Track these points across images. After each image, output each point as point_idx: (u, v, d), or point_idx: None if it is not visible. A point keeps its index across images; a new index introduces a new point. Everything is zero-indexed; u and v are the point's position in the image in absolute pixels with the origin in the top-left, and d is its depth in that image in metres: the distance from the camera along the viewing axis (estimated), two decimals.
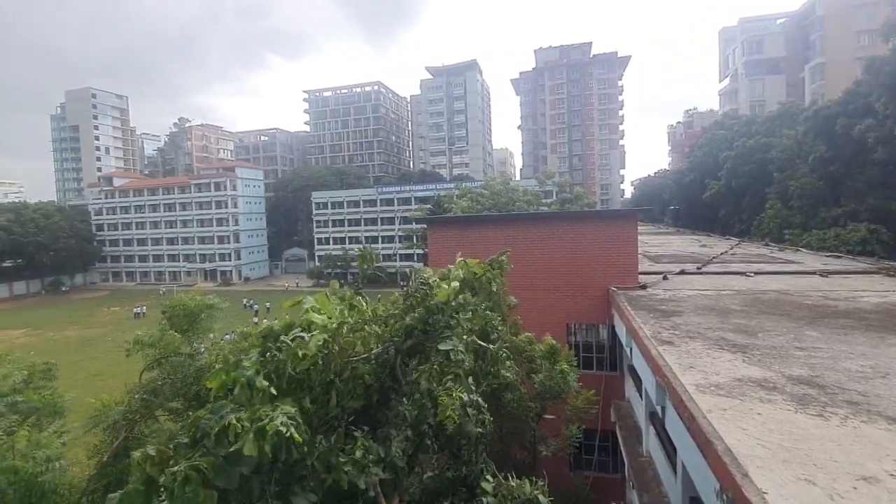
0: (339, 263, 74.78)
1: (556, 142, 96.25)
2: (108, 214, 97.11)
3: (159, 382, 8.01)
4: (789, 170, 26.29)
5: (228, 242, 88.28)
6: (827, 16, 58.72)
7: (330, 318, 3.72)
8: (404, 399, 4.25)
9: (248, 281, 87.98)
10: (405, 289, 4.86)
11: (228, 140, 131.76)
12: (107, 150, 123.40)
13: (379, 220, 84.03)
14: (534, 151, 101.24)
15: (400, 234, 76.60)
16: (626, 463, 10.71)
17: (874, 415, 5.11)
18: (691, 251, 21.43)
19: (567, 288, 13.88)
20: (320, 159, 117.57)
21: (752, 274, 14.21)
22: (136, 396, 7.92)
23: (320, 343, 3.46)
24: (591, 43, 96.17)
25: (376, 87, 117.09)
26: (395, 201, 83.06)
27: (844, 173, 22.26)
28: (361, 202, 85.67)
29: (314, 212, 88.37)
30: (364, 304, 4.47)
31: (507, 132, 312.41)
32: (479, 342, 4.89)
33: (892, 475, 4.00)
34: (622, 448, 11.22)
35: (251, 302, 58.63)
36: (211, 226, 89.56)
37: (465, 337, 4.45)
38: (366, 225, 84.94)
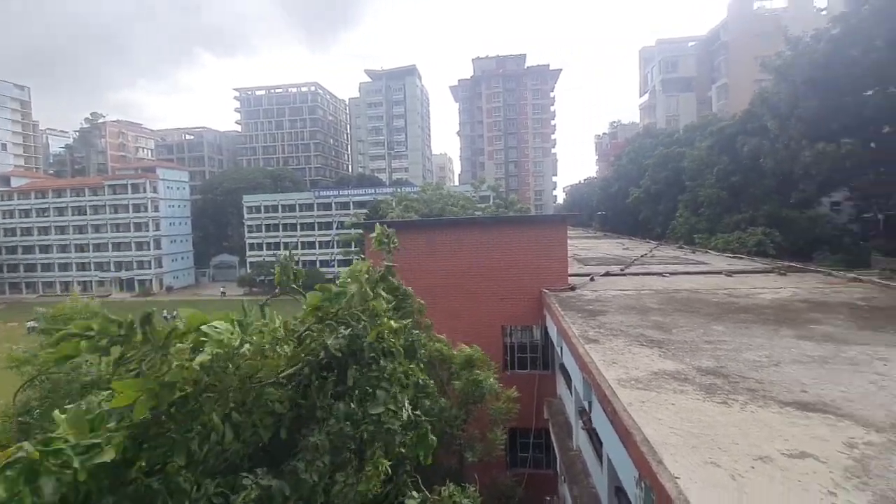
0: (272, 270, 71.43)
1: (493, 148, 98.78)
2: (4, 218, 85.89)
3: (34, 403, 7.13)
4: (699, 179, 29.03)
5: (148, 249, 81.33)
6: (730, 42, 65.43)
7: (231, 335, 3.26)
8: (320, 425, 3.82)
9: (170, 290, 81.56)
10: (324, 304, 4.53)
11: (149, 138, 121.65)
12: (3, 146, 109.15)
13: (316, 224, 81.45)
14: (472, 157, 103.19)
15: (338, 239, 74.83)
16: (557, 458, 11.10)
17: (768, 400, 5.66)
18: (616, 254, 22.81)
19: (503, 291, 14.20)
20: (252, 161, 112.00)
21: (668, 274, 15.37)
22: (9, 421, 6.99)
23: (208, 359, 2.94)
24: (525, 55, 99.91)
25: (313, 88, 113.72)
26: (334, 205, 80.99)
27: (744, 183, 24.93)
28: (298, 206, 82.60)
29: (246, 216, 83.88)
30: (276, 320, 4.04)
31: (446, 138, 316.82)
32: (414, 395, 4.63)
33: (783, 454, 4.44)
34: (554, 444, 11.63)
35: (173, 313, 54.36)
36: (128, 231, 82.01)
37: (397, 392, 4.03)
38: (302, 230, 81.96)
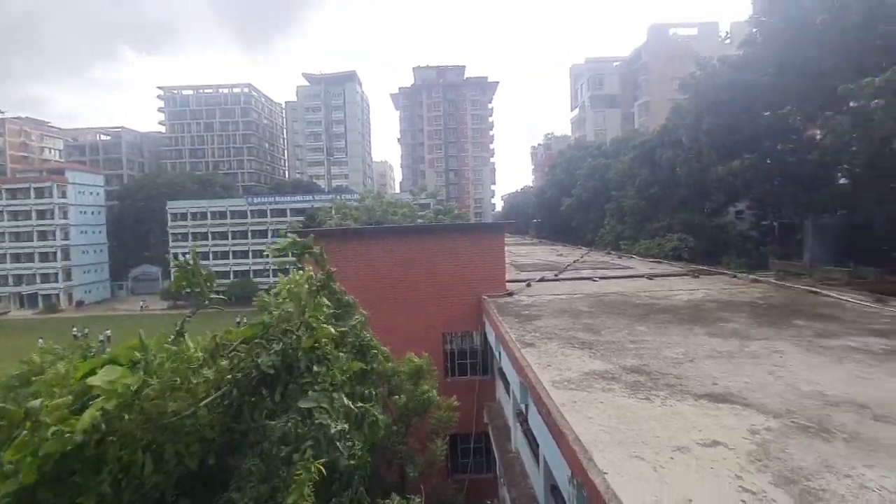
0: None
1: (433, 157, 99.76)
2: None
3: None
4: (623, 189, 31.21)
5: (54, 260, 73.15)
6: (649, 63, 71.00)
7: (127, 380, 2.92)
8: (252, 449, 3.56)
9: (81, 305, 73.83)
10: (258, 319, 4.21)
11: (57, 138, 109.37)
12: None
13: (250, 232, 77.48)
14: (413, 165, 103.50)
15: (274, 248, 71.59)
16: (497, 461, 11.29)
17: (685, 394, 6.13)
18: (550, 260, 23.81)
19: (443, 298, 14.30)
20: (178, 164, 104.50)
21: (597, 279, 16.27)
22: None
23: (97, 416, 2.63)
24: (464, 66, 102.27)
25: (246, 90, 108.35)
26: (269, 213, 77.55)
27: (661, 194, 27.11)
28: (229, 213, 78.16)
29: (170, 223, 77.96)
30: (190, 346, 3.73)
31: (387, 145, 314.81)
32: (351, 400, 4.27)
33: (697, 444, 4.82)
34: (494, 447, 11.82)
35: (84, 330, 49.16)
36: (30, 240, 73.33)
37: (332, 393, 3.85)
38: (234, 238, 77.57)
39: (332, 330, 4.16)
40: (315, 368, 3.83)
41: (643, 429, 5.19)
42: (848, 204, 18.12)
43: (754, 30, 19.95)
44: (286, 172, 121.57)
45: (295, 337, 3.87)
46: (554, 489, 7.26)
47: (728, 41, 23.86)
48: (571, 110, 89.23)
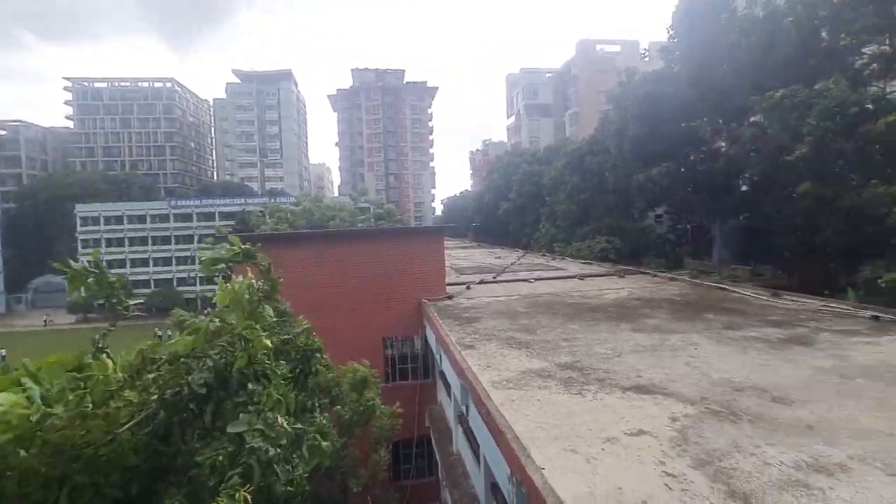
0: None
1: (373, 160, 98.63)
2: None
3: None
4: (555, 195, 32.83)
5: None
6: (579, 75, 75.07)
7: (24, 410, 2.57)
8: (179, 476, 3.24)
9: None
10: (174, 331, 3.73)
11: None
12: None
13: (173, 238, 71.93)
14: (351, 168, 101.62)
15: (201, 256, 66.86)
16: (439, 464, 11.31)
17: (613, 387, 6.50)
18: (489, 262, 24.36)
19: (383, 303, 14.13)
20: (89, 163, 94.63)
21: (533, 280, 16.87)
22: None
23: None
24: (404, 70, 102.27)
25: (169, 84, 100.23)
26: (195, 217, 72.45)
27: (591, 199, 28.86)
28: (149, 217, 72.07)
29: (80, 228, 70.39)
30: (111, 364, 3.30)
31: (324, 147, 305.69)
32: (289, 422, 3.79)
33: (625, 434, 5.12)
34: (436, 450, 11.84)
35: None
36: None
37: (269, 413, 3.48)
38: (155, 244, 71.59)
39: (269, 343, 3.86)
40: (250, 386, 3.53)
41: (577, 423, 5.43)
42: (749, 209, 20.24)
43: (673, 49, 21.78)
44: (214, 174, 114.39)
45: (230, 352, 3.56)
46: (494, 487, 7.40)
47: (647, 59, 25.84)
48: (508, 118, 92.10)
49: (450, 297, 14.07)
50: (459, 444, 10.41)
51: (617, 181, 24.16)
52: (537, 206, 36.30)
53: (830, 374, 6.69)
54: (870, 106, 15.29)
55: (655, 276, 17.95)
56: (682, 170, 21.47)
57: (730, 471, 4.31)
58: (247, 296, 3.86)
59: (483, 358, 8.02)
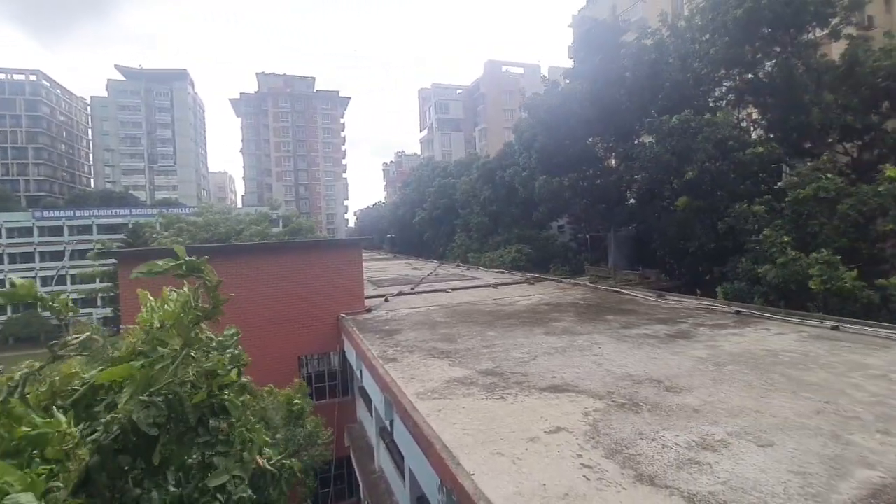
0: None
1: (281, 169, 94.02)
2: None
3: None
4: (468, 207, 34.06)
5: None
6: (487, 93, 78.95)
7: None
8: None
9: None
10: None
11: None
12: None
13: (37, 254, 61.84)
14: (257, 178, 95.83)
15: (74, 272, 58.23)
16: (360, 484, 10.99)
17: (531, 389, 6.87)
18: (406, 274, 24.41)
19: (298, 320, 13.47)
20: None
21: (450, 290, 17.24)
22: None
23: None
24: (314, 78, 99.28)
25: (34, 77, 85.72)
26: (66, 230, 63.05)
27: (501, 211, 30.42)
28: (4, 231, 61.27)
29: None
30: (62, 418, 2.47)
31: (227, 155, 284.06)
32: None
33: (545, 432, 5.44)
34: (356, 470, 11.50)
35: None
36: None
37: (242, 453, 3.08)
38: (14, 262, 60.91)
39: (234, 376, 3.31)
40: (212, 423, 2.96)
41: (501, 426, 5.65)
42: (636, 220, 22.68)
43: (574, 72, 23.79)
44: (91, 181, 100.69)
45: (186, 384, 2.98)
46: (421, 500, 7.38)
47: (547, 81, 28.04)
48: (421, 130, 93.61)
49: (368, 311, 13.85)
50: (382, 460, 10.22)
51: (524, 190, 25.69)
52: (452, 218, 37.31)
53: (707, 363, 7.73)
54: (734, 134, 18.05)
55: (561, 282, 19.31)
56: (583, 183, 23.50)
57: (636, 456, 4.79)
58: (181, 315, 3.23)
59: (406, 370, 8.01)
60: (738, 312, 11.46)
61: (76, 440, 2.33)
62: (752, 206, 15.92)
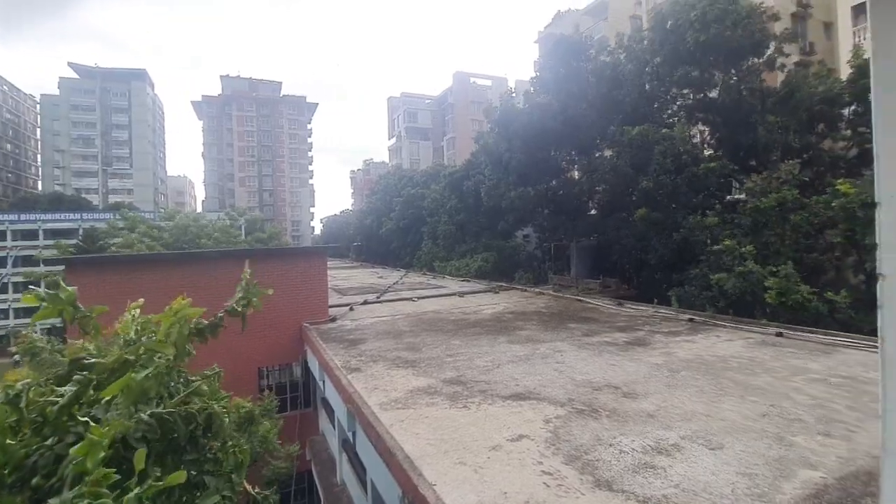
0: None
1: (245, 175, 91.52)
2: None
3: None
4: (436, 216, 34.20)
5: None
6: (455, 104, 79.82)
7: None
8: None
9: None
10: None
11: None
12: None
13: None
14: (219, 183, 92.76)
15: (20, 280, 54.18)
16: (322, 498, 10.69)
17: (495, 397, 6.92)
18: (371, 282, 24.17)
19: (259, 330, 13.05)
20: None
21: (416, 299, 17.18)
22: None
23: None
24: (281, 83, 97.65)
25: None
26: (10, 234, 58.85)
27: (468, 220, 30.71)
28: None
29: None
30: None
31: (188, 159, 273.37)
32: None
33: (507, 440, 5.47)
34: (318, 484, 11.19)
35: None
36: None
37: (231, 473, 2.89)
38: None
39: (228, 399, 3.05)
40: (201, 441, 2.77)
41: (464, 435, 5.65)
42: (597, 230, 23.37)
43: (542, 85, 24.40)
44: (39, 183, 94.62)
45: (176, 397, 2.75)
46: None
47: (514, 94, 28.64)
48: (389, 139, 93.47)
49: (333, 320, 13.60)
50: (344, 472, 10.00)
51: (490, 200, 26.04)
52: (419, 226, 37.32)
53: (662, 369, 8.02)
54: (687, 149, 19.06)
55: (525, 290, 19.60)
56: (548, 194, 24.06)
57: (595, 462, 4.89)
58: (176, 327, 2.94)
59: (370, 380, 7.90)
60: (690, 320, 11.96)
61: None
62: (705, 218, 16.75)
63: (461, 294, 18.47)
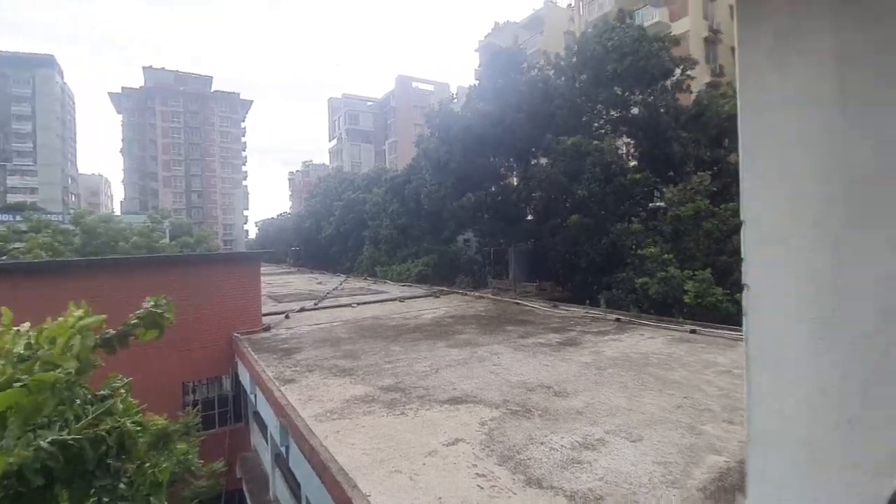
0: None
1: (170, 174, 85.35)
2: None
3: None
4: (377, 220, 33.87)
5: None
6: (398, 107, 79.64)
7: None
8: None
9: None
10: None
11: None
12: None
13: None
14: (140, 182, 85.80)
15: None
16: None
17: (433, 402, 6.95)
18: (310, 288, 23.44)
19: (184, 342, 12.19)
20: None
21: (356, 305, 16.90)
22: None
23: None
24: (212, 77, 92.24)
25: None
26: None
27: (410, 224, 30.67)
28: None
29: None
30: None
31: (104, 156, 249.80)
32: None
33: (443, 445, 5.52)
34: (249, 502, 10.64)
35: None
36: None
37: (152, 499, 2.68)
38: None
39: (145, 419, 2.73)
40: (113, 465, 2.50)
41: (400, 442, 5.63)
42: (534, 235, 24.24)
43: (481, 93, 24.92)
44: None
45: (83, 420, 2.41)
46: None
47: (455, 100, 29.06)
48: (330, 140, 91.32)
49: (267, 329, 13.02)
50: (278, 489, 9.58)
51: (431, 205, 26.20)
52: (360, 230, 36.73)
53: (591, 367, 8.47)
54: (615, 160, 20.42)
55: (466, 294, 19.91)
56: (487, 199, 24.63)
57: (527, 461, 5.06)
58: (78, 338, 2.63)
59: (305, 391, 7.66)
60: (617, 320, 12.73)
61: None
62: (631, 225, 17.95)
63: (402, 299, 18.40)
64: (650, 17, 29.29)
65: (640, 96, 21.59)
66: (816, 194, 0.83)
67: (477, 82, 26.57)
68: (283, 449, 7.54)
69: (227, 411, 13.09)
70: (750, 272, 1.01)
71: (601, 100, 21.96)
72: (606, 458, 5.10)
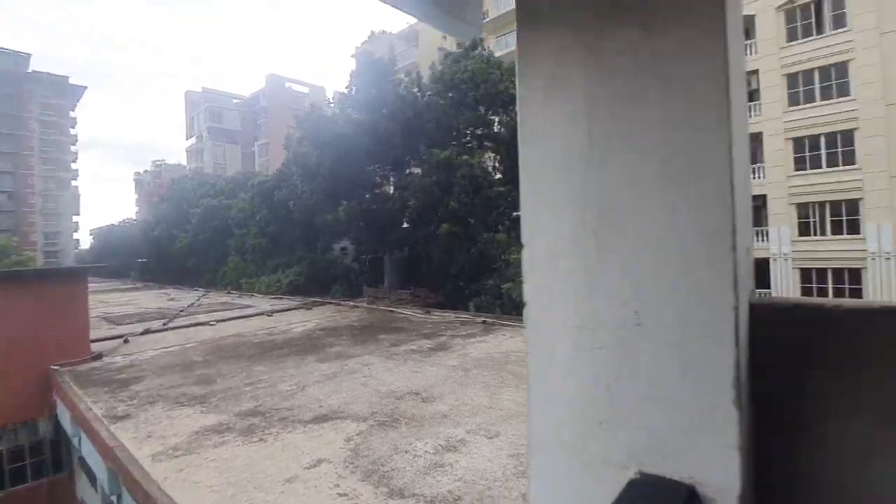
0: None
1: None
2: None
3: None
4: (245, 227, 31.26)
5: None
6: (269, 107, 74.48)
7: None
8: None
9: None
10: None
11: None
12: None
13: None
14: None
15: None
16: None
17: (296, 423, 6.60)
18: (159, 306, 20.58)
19: None
20: None
21: (214, 322, 15.31)
22: None
23: None
24: (30, 55, 75.64)
25: None
26: None
27: (280, 232, 28.88)
28: None
29: None
30: None
31: None
32: None
33: (305, 468, 5.26)
34: None
35: None
36: None
37: None
38: None
39: None
40: None
41: (256, 472, 5.23)
42: (409, 242, 24.68)
43: (353, 100, 24.54)
44: None
45: None
46: None
47: (331, 105, 28.23)
48: (188, 138, 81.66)
49: (98, 357, 11.07)
50: None
51: (301, 214, 25.05)
52: (224, 239, 33.39)
53: (458, 370, 8.87)
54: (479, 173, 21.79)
55: (340, 304, 19.37)
56: (362, 207, 24.35)
57: (390, 472, 5.08)
58: None
59: (142, 427, 6.68)
60: (483, 322, 13.57)
61: None
62: (497, 234, 19.30)
63: (270, 313, 17.18)
64: (506, 45, 30.84)
65: (500, 116, 23.40)
66: (573, 223, 0.96)
67: (352, 89, 26.14)
68: (114, 499, 6.46)
69: (43, 460, 10.80)
70: (527, 290, 1.14)
71: (465, 119, 23.34)
72: (466, 457, 5.37)
